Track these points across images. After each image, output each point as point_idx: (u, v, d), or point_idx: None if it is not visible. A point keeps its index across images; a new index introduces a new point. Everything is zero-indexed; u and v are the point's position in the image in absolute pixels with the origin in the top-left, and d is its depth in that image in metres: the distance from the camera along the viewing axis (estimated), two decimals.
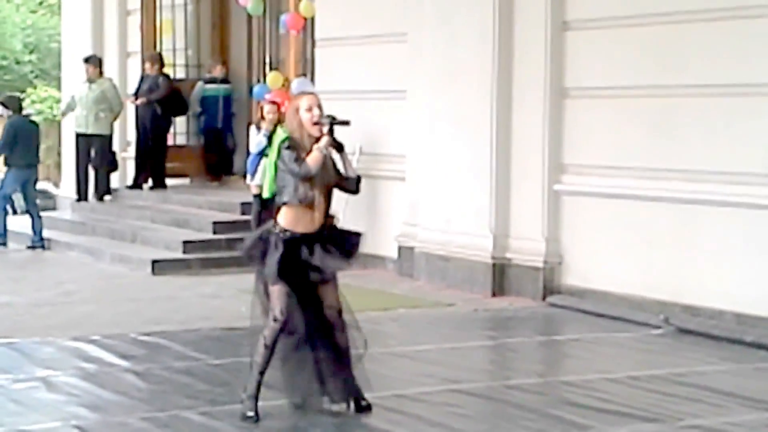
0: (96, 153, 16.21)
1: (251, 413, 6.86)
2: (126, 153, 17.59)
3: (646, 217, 10.50)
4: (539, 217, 11.34)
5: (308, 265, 6.90)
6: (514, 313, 10.88)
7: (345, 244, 7.16)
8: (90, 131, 16.14)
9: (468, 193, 11.94)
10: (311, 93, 7.15)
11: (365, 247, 13.92)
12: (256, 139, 13.31)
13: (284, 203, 6.87)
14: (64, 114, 17.34)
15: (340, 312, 7.08)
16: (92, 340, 9.23)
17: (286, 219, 6.86)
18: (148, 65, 16.39)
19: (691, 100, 10.15)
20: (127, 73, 18.00)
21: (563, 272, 11.29)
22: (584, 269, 11.07)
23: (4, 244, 14.82)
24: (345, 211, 13.59)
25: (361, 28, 13.65)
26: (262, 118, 13.42)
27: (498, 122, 11.60)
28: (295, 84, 14.80)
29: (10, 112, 15.11)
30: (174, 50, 17.31)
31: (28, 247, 14.85)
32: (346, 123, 7.01)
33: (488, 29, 11.65)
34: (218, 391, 7.62)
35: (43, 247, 14.85)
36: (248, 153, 13.64)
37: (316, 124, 6.86)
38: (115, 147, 16.80)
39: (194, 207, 14.91)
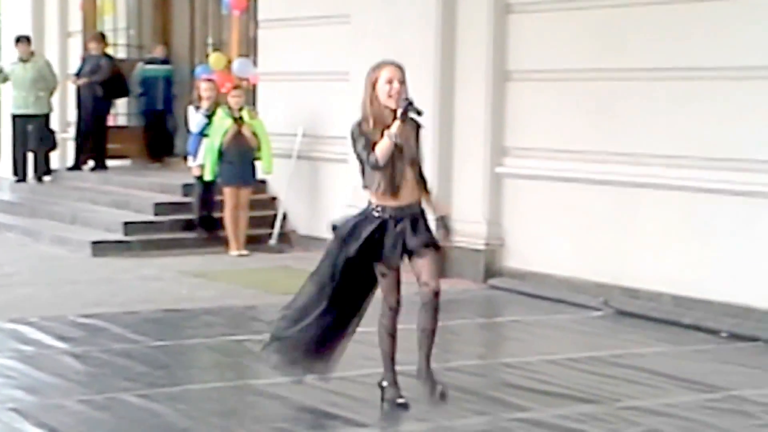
0: (34, 133, 16.03)
1: (401, 400, 6.79)
2: (66, 134, 17.43)
3: (586, 200, 10.56)
4: (481, 200, 11.37)
5: (402, 238, 6.54)
6: (455, 295, 10.88)
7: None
8: (30, 111, 15.98)
9: None
10: (393, 64, 6.65)
11: (307, 229, 14.03)
12: (195, 119, 13.24)
13: (365, 187, 6.60)
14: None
15: (436, 293, 6.62)
16: (30, 322, 9.13)
17: (376, 198, 6.58)
18: (92, 45, 16.19)
19: (632, 84, 10.21)
20: (68, 52, 17.82)
21: (504, 255, 11.33)
22: (525, 252, 11.12)
23: None
24: (288, 192, 13.61)
25: (304, 9, 13.60)
26: (200, 97, 13.35)
27: (440, 105, 11.59)
28: (237, 65, 14.78)
29: None
30: (115, 30, 17.17)
31: None
32: (419, 113, 6.56)
33: (431, 11, 11.64)
34: (157, 374, 7.58)
35: None
36: (189, 134, 13.56)
37: (390, 97, 6.50)
38: (55, 127, 16.64)
39: (135, 188, 14.80)
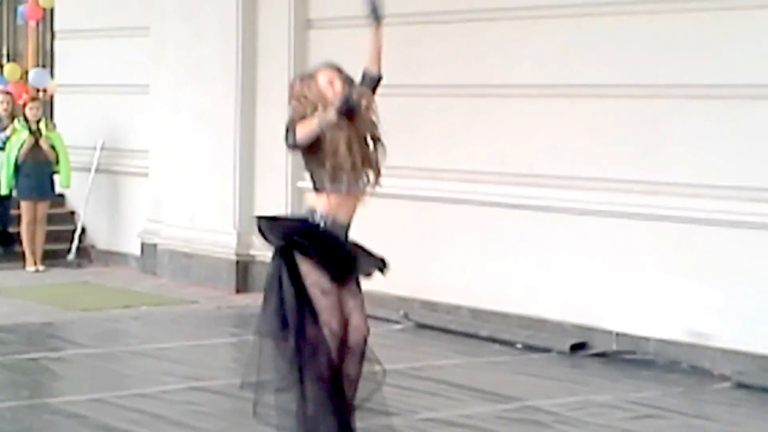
0: None
1: None
2: None
3: (386, 214, 10.66)
4: (283, 214, 11.38)
5: (348, 259, 5.84)
6: (257, 310, 10.80)
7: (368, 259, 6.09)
8: None
9: (212, 189, 11.89)
10: (328, 66, 5.89)
11: (106, 244, 13.80)
12: None
13: (316, 190, 5.73)
14: None
15: (365, 338, 5.86)
16: None
17: (325, 204, 5.75)
18: None
19: (429, 100, 10.39)
20: None
21: None
22: None
23: None
24: (87, 206, 13.38)
25: (103, 20, 13.42)
26: None
27: (242, 119, 11.60)
28: (32, 75, 14.47)
29: None
30: None
31: None
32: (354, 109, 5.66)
33: (231, 25, 11.63)
34: None
35: None
36: None
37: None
38: None
39: None
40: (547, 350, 9.12)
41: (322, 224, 5.76)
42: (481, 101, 10.03)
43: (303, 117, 5.62)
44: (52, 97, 14.42)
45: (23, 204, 12.65)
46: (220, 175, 11.79)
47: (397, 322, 10.11)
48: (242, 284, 11.59)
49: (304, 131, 5.58)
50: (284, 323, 5.83)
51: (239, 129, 11.60)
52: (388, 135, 10.68)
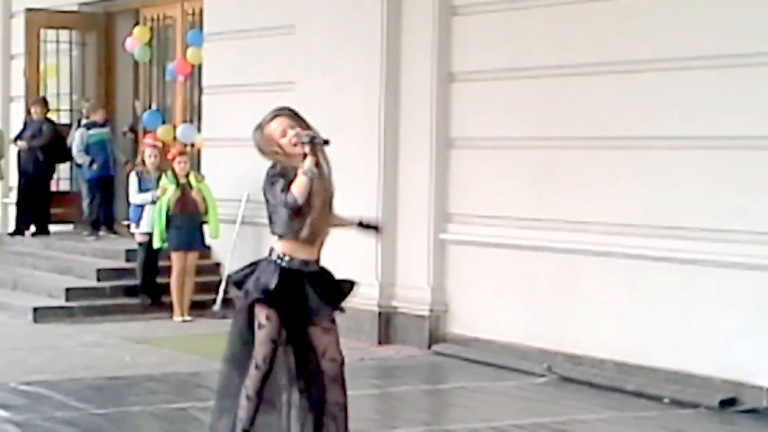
0: None
1: None
2: (8, 199, 17.31)
3: (529, 266, 10.65)
4: (425, 266, 11.43)
5: (304, 300, 6.23)
6: (399, 361, 10.92)
7: (337, 288, 6.49)
8: None
9: (354, 241, 11.91)
10: (278, 115, 6.26)
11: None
12: (135, 188, 13.17)
13: (279, 235, 6.22)
14: None
15: (341, 365, 6.37)
16: None
17: (285, 247, 6.23)
18: (34, 109, 16.10)
19: (572, 152, 10.35)
20: (10, 117, 17.76)
21: (449, 321, 11.37)
22: (469, 318, 11.17)
23: None
24: (232, 257, 13.59)
25: (249, 75, 13.68)
26: (143, 162, 13.32)
27: (385, 171, 11.68)
28: (180, 130, 14.81)
29: None
30: (58, 95, 17.12)
31: None
32: (326, 142, 6.15)
33: (375, 79, 11.75)
34: None
35: None
36: (129, 201, 13.47)
37: (296, 145, 6.12)
38: None
39: (77, 254, 14.72)
40: (695, 406, 8.94)
41: (283, 265, 6.21)
42: (625, 153, 9.95)
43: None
44: (199, 151, 14.72)
45: (174, 255, 12.90)
46: None
47: (541, 375, 10.03)
48: (384, 336, 11.63)
49: (301, 189, 6.03)
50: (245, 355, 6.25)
51: (382, 182, 11.68)
52: (532, 186, 10.70)
